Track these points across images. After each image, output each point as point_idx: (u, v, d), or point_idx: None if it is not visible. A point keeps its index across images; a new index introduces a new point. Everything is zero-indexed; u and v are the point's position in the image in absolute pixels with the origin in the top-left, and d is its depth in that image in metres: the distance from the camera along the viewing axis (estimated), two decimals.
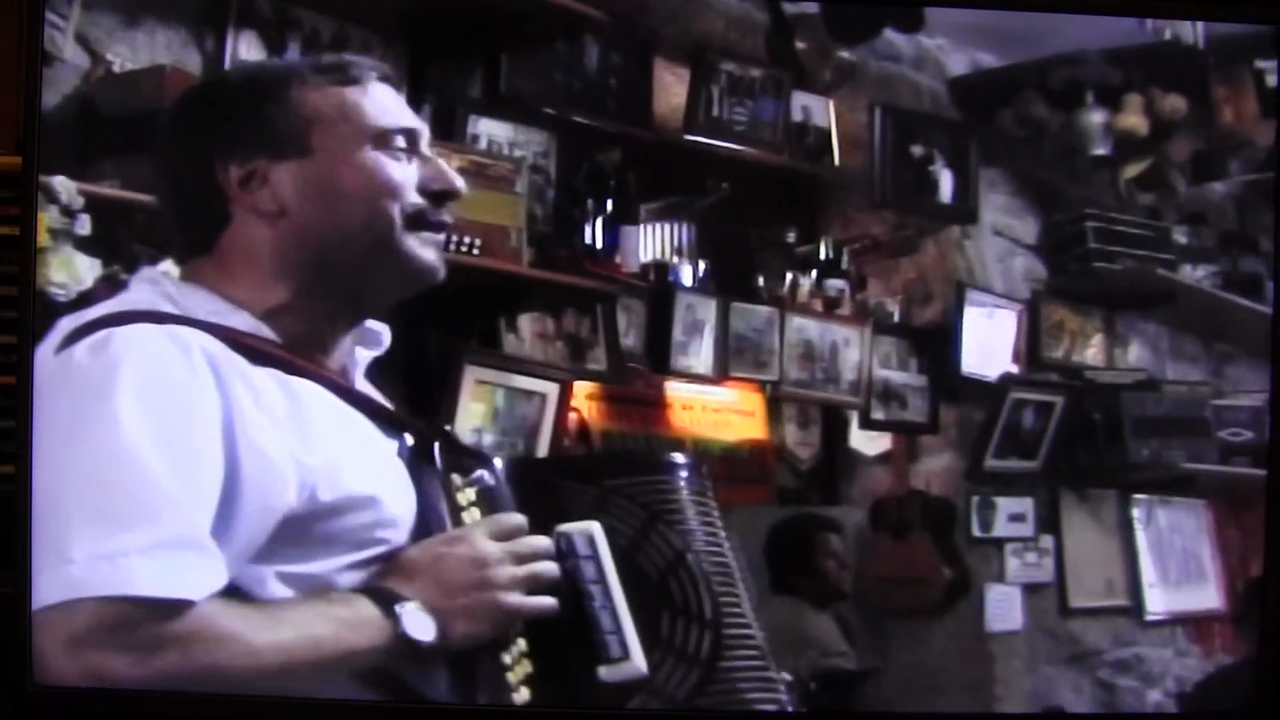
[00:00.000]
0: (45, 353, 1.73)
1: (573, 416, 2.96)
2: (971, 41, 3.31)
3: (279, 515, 1.66)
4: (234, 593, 1.65)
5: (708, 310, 3.15)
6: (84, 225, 2.42)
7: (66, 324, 1.73)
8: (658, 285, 3.12)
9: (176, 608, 1.59)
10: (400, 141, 1.80)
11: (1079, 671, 3.34)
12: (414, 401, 1.95)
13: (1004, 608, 3.30)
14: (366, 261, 1.78)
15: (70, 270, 2.41)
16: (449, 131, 2.89)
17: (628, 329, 3.08)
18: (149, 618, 1.59)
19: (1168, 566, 3.45)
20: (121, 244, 2.46)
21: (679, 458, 1.94)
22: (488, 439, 2.83)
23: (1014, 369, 3.37)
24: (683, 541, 1.81)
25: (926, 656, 3.28)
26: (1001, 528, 3.31)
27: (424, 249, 1.81)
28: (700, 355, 3.14)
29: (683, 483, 1.87)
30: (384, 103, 1.82)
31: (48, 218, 2.38)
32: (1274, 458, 2.35)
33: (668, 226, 3.16)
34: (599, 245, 3.05)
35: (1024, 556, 3.33)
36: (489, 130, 2.96)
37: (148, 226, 2.43)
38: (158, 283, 1.79)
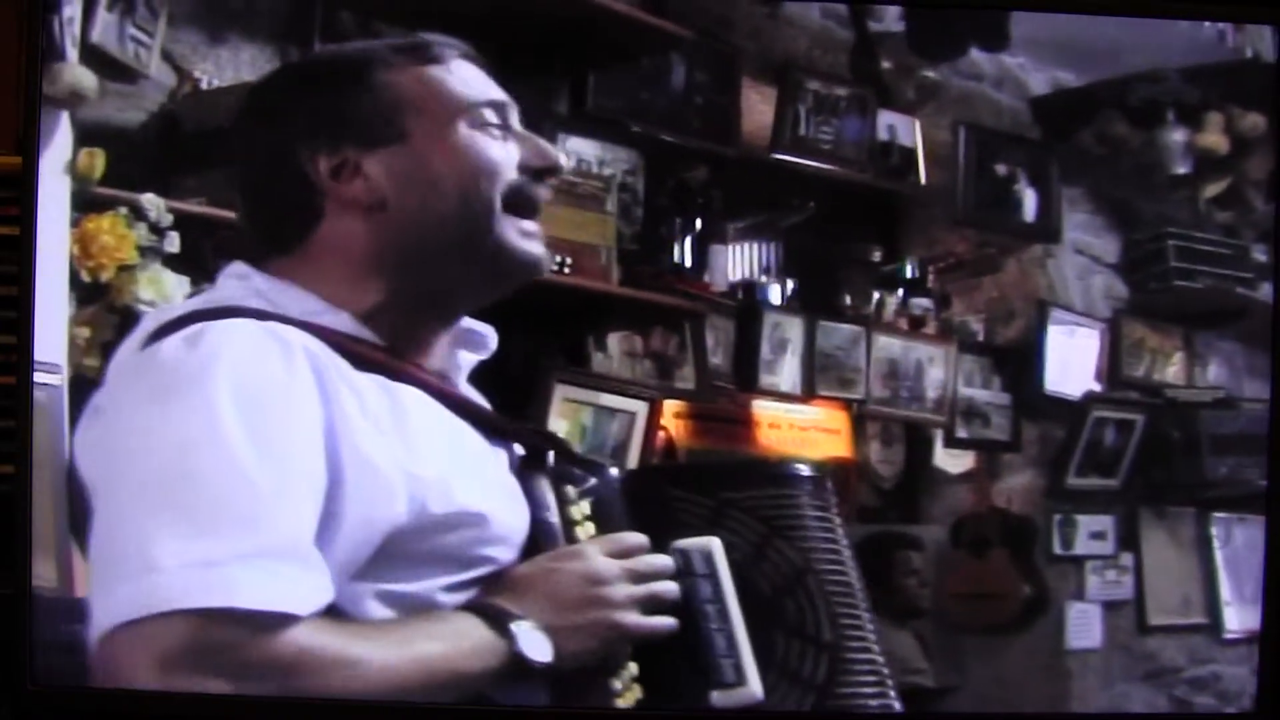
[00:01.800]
0: (128, 349, 1.64)
1: (660, 435, 2.95)
2: (1051, 60, 3.30)
3: (386, 530, 1.57)
4: (331, 612, 1.55)
5: (794, 328, 3.14)
6: (173, 243, 2.42)
7: (151, 321, 1.65)
8: (745, 303, 3.11)
9: (280, 623, 1.48)
10: (492, 116, 1.72)
11: (1155, 689, 3.32)
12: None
13: (1084, 625, 3.29)
14: (463, 249, 1.69)
15: (159, 287, 2.41)
16: None
17: (716, 347, 3.07)
18: (249, 635, 1.47)
19: (1244, 584, 3.43)
20: (205, 260, 2.47)
21: (802, 469, 1.84)
22: None
23: (1096, 387, 3.36)
24: (803, 559, 1.73)
25: (1002, 673, 3.27)
26: (1082, 545, 3.30)
27: (524, 240, 1.72)
28: (786, 373, 3.13)
29: (805, 496, 1.78)
30: (469, 78, 1.74)
31: (136, 235, 2.38)
32: (1274, 459, 2.34)
33: (755, 245, 3.15)
34: (687, 263, 3.05)
35: (1104, 574, 3.31)
36: (577, 148, 2.95)
37: (226, 240, 2.43)
38: (247, 278, 1.70)
